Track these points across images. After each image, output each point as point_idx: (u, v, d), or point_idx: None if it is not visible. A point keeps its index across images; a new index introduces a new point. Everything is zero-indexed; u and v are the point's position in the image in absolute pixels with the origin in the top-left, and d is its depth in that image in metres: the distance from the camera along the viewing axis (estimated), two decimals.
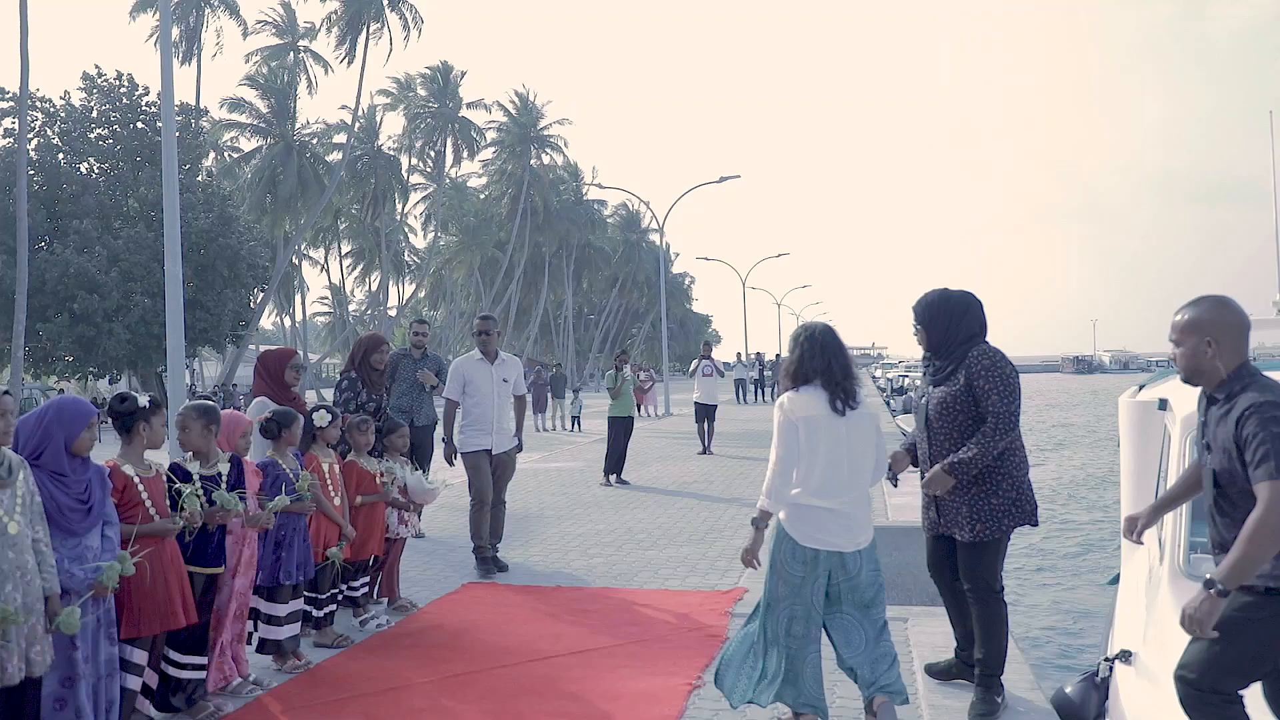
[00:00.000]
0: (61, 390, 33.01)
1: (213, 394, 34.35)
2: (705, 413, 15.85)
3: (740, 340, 69.16)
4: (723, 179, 30.73)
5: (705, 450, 15.76)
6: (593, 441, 19.94)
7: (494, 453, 7.03)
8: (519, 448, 7.17)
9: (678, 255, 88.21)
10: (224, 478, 4.24)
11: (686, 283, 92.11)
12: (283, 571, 4.88)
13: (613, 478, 12.20)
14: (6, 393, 3.28)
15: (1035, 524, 4.05)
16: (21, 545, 3.22)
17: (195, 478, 4.16)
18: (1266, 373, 2.97)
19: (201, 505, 4.05)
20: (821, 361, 3.80)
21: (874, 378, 59.91)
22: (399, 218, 59.60)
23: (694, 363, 16.34)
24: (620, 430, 12.25)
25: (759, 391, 35.10)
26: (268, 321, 59.46)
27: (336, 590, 5.48)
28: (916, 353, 5.71)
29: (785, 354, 3.89)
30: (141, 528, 3.78)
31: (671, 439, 18.90)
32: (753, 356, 38.63)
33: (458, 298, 69.79)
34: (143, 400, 3.87)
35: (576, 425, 24.14)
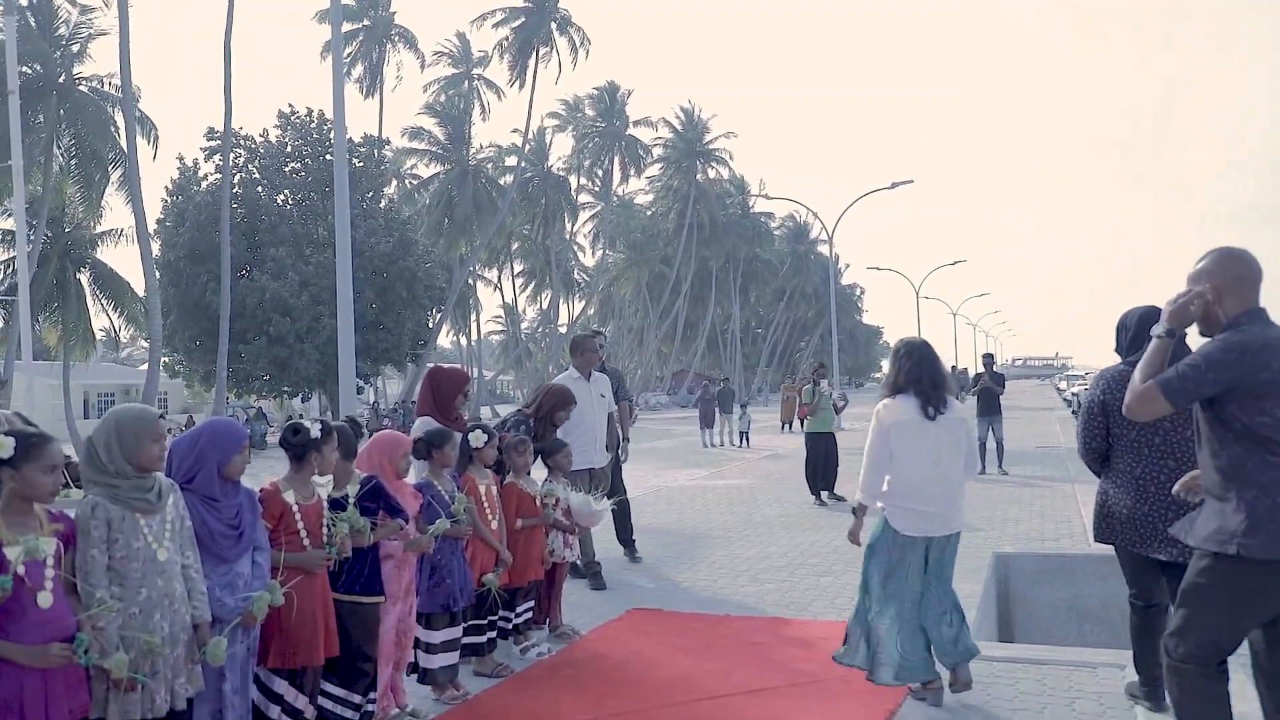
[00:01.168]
0: (260, 410, 35.31)
1: (393, 411, 35.95)
2: None
3: None
4: (895, 184, 29.69)
5: None
6: (761, 458, 19.61)
7: (595, 470, 7.32)
8: (625, 457, 7.96)
9: (847, 266, 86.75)
10: (350, 500, 4.12)
11: (856, 294, 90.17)
12: (440, 597, 4.79)
13: (824, 494, 12.12)
14: (162, 416, 3.23)
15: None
16: (170, 572, 3.15)
17: (349, 501, 4.06)
18: None
19: (352, 530, 3.94)
20: (916, 373, 4.53)
21: (1058, 390, 56.45)
22: (568, 236, 61.03)
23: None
24: (819, 447, 12.22)
25: None
26: (445, 340, 62.04)
27: (495, 617, 5.37)
28: (1101, 363, 5.48)
29: (889, 366, 4.62)
30: (290, 557, 3.70)
31: (855, 454, 18.22)
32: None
33: (626, 313, 70.80)
34: (315, 431, 3.80)
35: (745, 441, 24.02)
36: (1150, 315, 4.28)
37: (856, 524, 4.66)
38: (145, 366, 37.32)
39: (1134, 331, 4.34)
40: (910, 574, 4.51)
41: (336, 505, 4.03)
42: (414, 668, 4.83)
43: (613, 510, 6.30)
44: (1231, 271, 3.13)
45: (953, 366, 37.98)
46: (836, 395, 13.12)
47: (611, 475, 7.84)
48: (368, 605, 4.18)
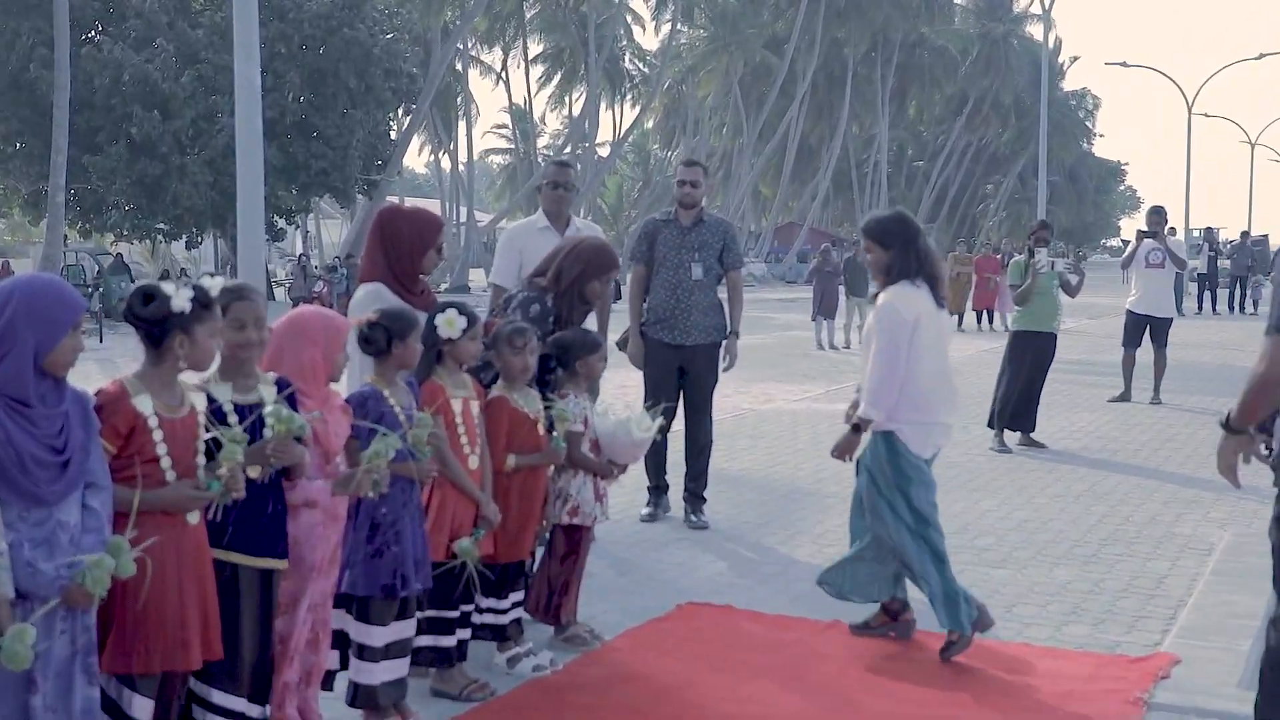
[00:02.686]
0: (119, 259, 35.69)
1: (331, 271, 36.38)
2: (1146, 330, 14.90)
3: (1178, 204, 65.62)
4: None
5: (1123, 396, 15.16)
6: None
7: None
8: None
9: (1073, 61, 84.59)
10: (268, 402, 4.19)
11: (1086, 106, 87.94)
12: (382, 573, 4.83)
13: (1011, 436, 12.07)
14: None
15: None
16: None
17: (228, 410, 4.12)
18: None
19: (272, 443, 4.08)
20: (925, 251, 5.93)
21: None
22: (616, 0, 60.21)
23: (1131, 243, 15.71)
24: (1026, 354, 11.93)
25: (1208, 294, 34.23)
26: (417, 160, 62.33)
27: (469, 608, 5.45)
28: None
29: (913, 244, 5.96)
30: (147, 496, 3.72)
31: (1074, 371, 18.05)
32: (1199, 235, 37.78)
33: (705, 128, 70.36)
34: (180, 301, 3.81)
35: None
36: None
37: (854, 440, 5.94)
38: None
39: None
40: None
41: (220, 417, 4.06)
42: (330, 681, 4.94)
43: (658, 438, 6.37)
44: None
45: (1243, 234, 37.16)
46: (1065, 269, 12.49)
47: (703, 392, 8.53)
48: (268, 573, 4.27)
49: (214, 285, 4.03)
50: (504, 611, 5.69)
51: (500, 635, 5.70)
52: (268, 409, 4.12)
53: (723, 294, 8.74)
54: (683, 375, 8.49)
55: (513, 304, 6.35)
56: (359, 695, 4.91)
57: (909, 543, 5.89)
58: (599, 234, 7.87)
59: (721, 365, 8.67)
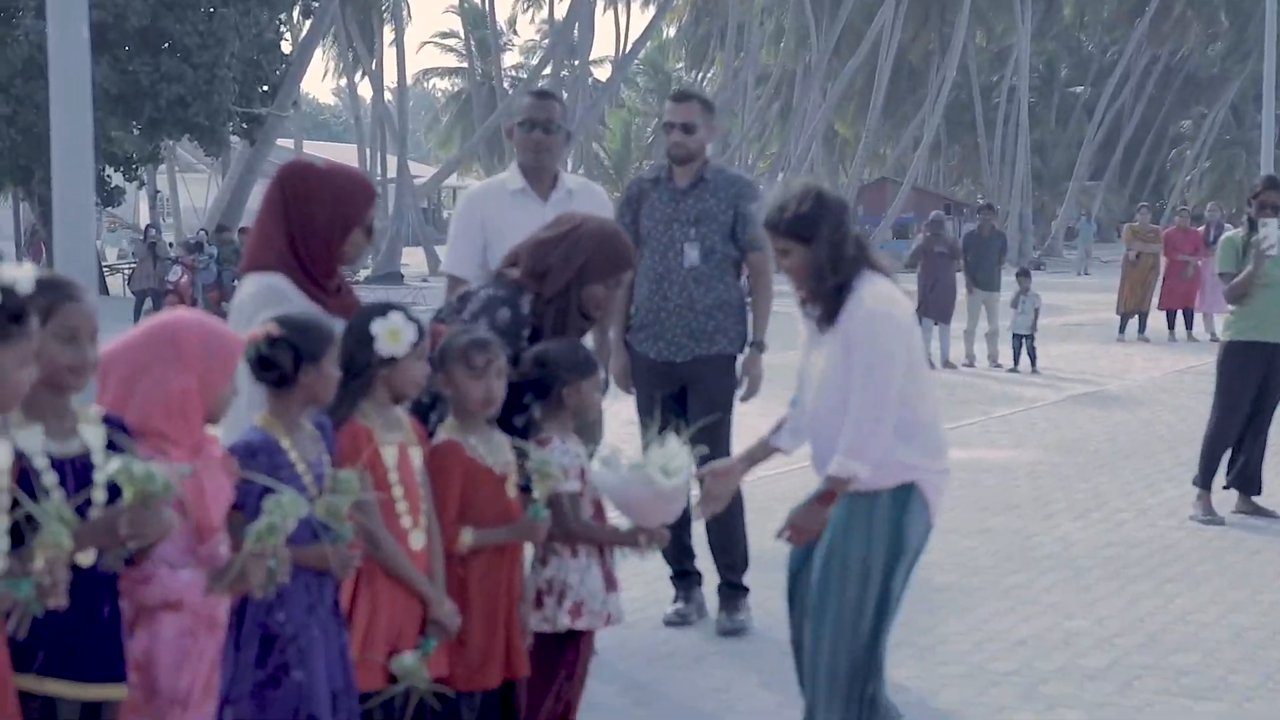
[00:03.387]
0: None
1: (195, 248, 36.40)
2: None
3: None
4: None
5: None
6: (1061, 400, 19.81)
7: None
8: (603, 385, 7.91)
9: None
10: (94, 464, 4.12)
11: None
12: (279, 711, 4.87)
13: (1224, 498, 12.12)
14: None
15: None
16: None
17: (42, 468, 4.06)
18: None
19: (72, 530, 3.96)
20: (857, 234, 6.22)
21: None
22: None
23: None
24: (1254, 377, 11.85)
25: None
26: (321, 86, 62.44)
27: None
28: None
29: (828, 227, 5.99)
30: None
31: None
32: None
33: (753, 38, 70.41)
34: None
35: (1024, 351, 24.25)
36: None
37: (822, 514, 5.93)
38: None
39: None
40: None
41: (25, 482, 4.05)
42: None
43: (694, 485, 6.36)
44: None
45: None
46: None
47: (712, 429, 8.06)
48: (98, 707, 4.25)
49: (21, 278, 3.90)
50: None
51: None
52: (113, 466, 4.00)
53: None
54: (683, 405, 8.52)
55: (470, 305, 6.28)
56: None
57: (840, 653, 5.91)
58: (603, 201, 7.97)
59: (739, 393, 8.71)
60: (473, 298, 6.32)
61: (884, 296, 5.90)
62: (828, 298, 5.89)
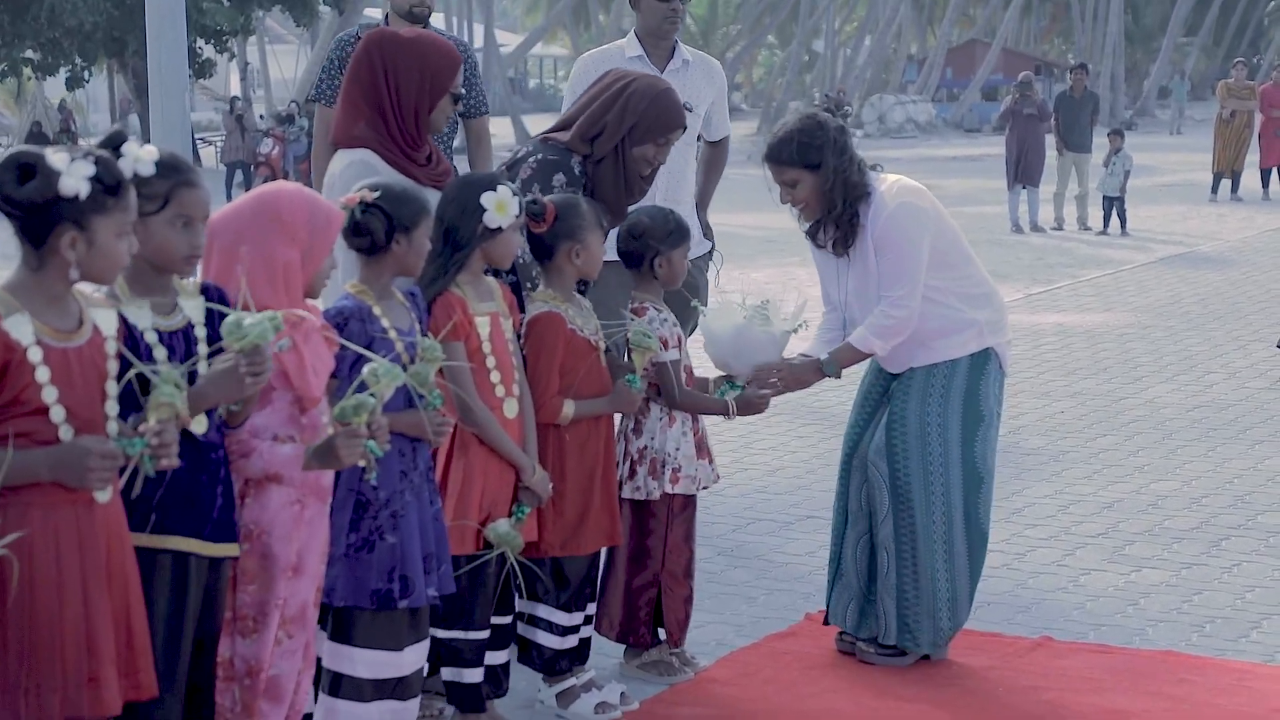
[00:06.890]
0: None
1: (285, 121, 36.36)
2: None
3: None
4: None
5: None
6: (1151, 262, 19.62)
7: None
8: (711, 254, 8.20)
9: None
10: (196, 338, 4.18)
11: None
12: (372, 575, 4.90)
13: None
14: None
15: None
16: None
17: (153, 343, 4.09)
18: None
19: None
20: (859, 157, 6.27)
21: None
22: None
23: None
24: None
25: None
26: None
27: (507, 619, 5.56)
28: None
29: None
30: (28, 459, 3.72)
31: None
32: None
33: None
34: (73, 181, 3.74)
35: (1114, 213, 23.98)
36: None
37: (817, 377, 6.25)
38: None
39: None
40: None
41: (133, 345, 4.06)
42: None
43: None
44: None
45: None
46: None
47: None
48: (215, 561, 4.29)
49: (141, 157, 3.92)
50: (564, 631, 5.73)
51: (553, 666, 5.76)
52: (230, 319, 4.00)
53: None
54: None
55: (521, 172, 6.13)
56: None
57: (935, 524, 6.16)
58: (719, 73, 8.01)
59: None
60: (521, 164, 6.19)
61: (901, 189, 6.15)
62: (841, 221, 6.11)
